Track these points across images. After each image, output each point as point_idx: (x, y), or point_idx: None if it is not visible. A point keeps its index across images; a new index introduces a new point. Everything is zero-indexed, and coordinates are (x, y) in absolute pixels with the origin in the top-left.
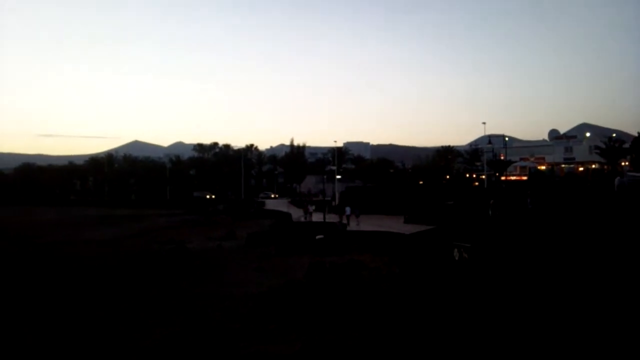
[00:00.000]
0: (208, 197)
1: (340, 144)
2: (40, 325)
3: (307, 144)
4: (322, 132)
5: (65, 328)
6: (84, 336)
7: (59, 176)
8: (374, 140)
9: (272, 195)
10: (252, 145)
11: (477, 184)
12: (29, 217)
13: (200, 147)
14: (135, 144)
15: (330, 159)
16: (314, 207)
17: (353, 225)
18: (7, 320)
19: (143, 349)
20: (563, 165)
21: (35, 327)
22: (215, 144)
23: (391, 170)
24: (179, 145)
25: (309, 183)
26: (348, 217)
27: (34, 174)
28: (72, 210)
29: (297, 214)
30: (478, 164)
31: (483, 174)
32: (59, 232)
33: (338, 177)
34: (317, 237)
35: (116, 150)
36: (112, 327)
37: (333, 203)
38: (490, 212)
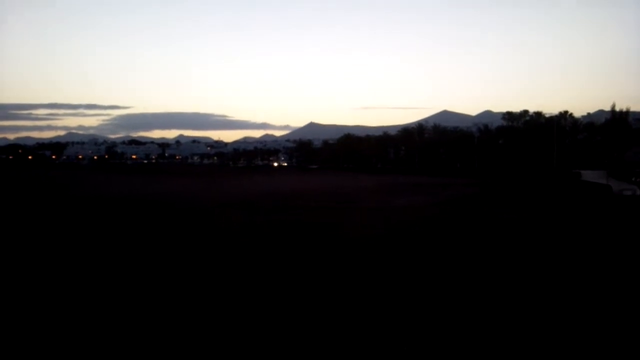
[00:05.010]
0: None
1: None
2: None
3: (632, 109)
4: None
5: None
6: None
7: (375, 146)
8: None
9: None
10: (566, 112)
11: None
12: (351, 183)
13: (509, 116)
14: (444, 113)
15: None
16: None
17: None
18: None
19: None
20: None
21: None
22: (526, 111)
23: None
24: (487, 114)
25: (634, 152)
26: None
27: (354, 144)
28: (386, 177)
29: (618, 187)
30: None
31: None
32: (374, 198)
33: None
34: None
35: (426, 120)
36: None
37: None
38: None
